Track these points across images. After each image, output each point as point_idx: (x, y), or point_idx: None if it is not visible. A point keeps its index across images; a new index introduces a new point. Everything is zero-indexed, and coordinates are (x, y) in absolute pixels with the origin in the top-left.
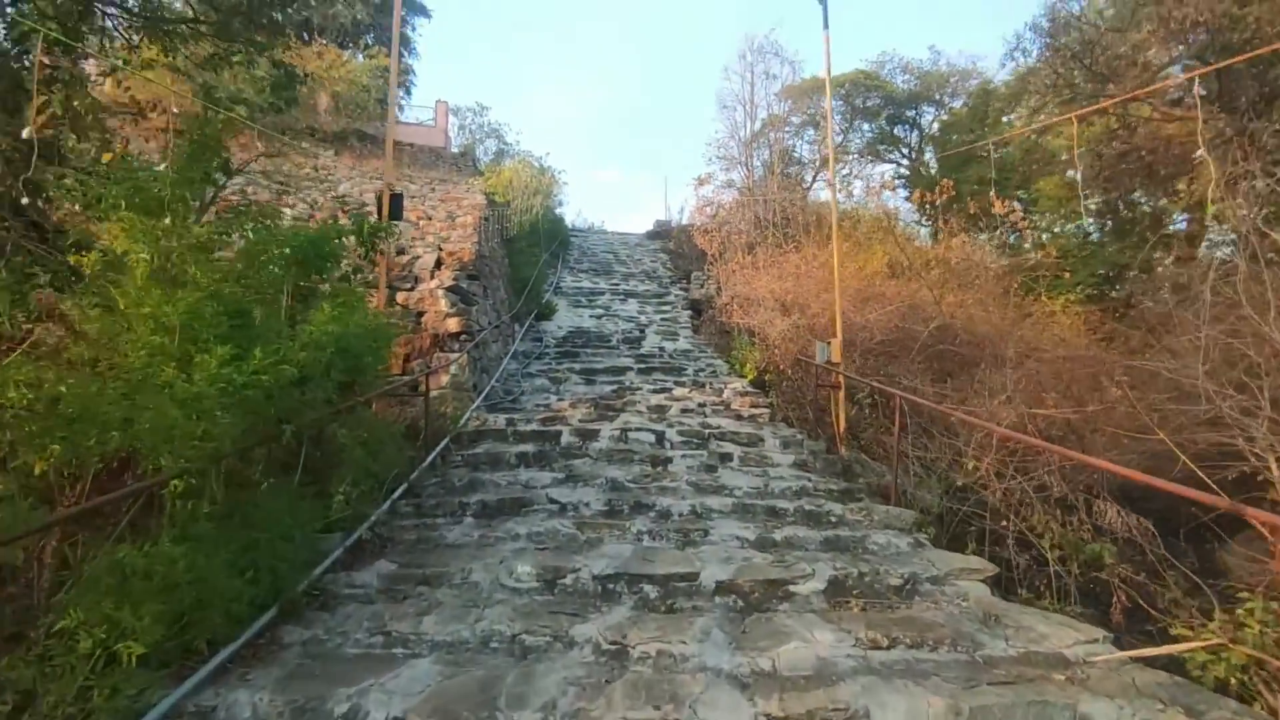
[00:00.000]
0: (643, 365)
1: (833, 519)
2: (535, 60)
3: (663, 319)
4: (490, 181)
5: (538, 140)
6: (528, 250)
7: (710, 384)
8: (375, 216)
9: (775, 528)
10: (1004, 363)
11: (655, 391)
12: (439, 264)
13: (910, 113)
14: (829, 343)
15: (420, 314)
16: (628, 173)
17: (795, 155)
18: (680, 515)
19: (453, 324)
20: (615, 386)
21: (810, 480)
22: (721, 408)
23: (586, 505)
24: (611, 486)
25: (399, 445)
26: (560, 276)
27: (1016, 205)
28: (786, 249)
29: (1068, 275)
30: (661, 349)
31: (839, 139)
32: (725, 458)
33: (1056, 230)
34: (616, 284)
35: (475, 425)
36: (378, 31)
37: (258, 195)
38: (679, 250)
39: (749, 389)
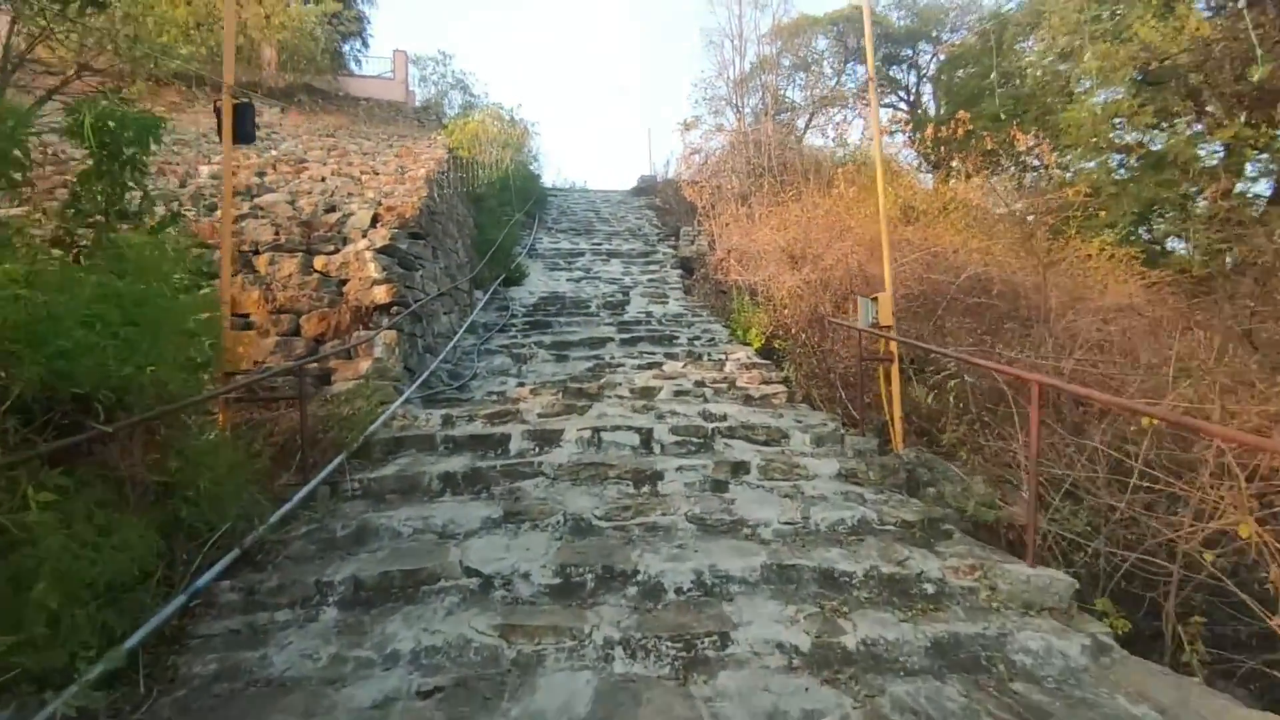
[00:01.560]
0: (627, 334)
1: (929, 589)
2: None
3: (650, 280)
4: (455, 136)
5: (512, 96)
6: (497, 209)
7: (708, 355)
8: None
9: (839, 614)
10: (1047, 316)
11: (641, 368)
12: (375, 221)
13: (907, 52)
14: (874, 299)
15: (343, 282)
16: (612, 133)
17: (787, 100)
18: (679, 592)
19: (381, 293)
20: (592, 363)
21: (868, 502)
22: (725, 386)
23: (525, 576)
24: (572, 530)
25: (244, 480)
26: (536, 237)
27: (1043, 138)
28: (784, 198)
29: (1102, 214)
30: (649, 314)
31: (833, 82)
32: (739, 468)
33: (1084, 166)
34: (598, 244)
35: (399, 427)
36: None
37: (184, 156)
38: (666, 206)
39: (756, 360)
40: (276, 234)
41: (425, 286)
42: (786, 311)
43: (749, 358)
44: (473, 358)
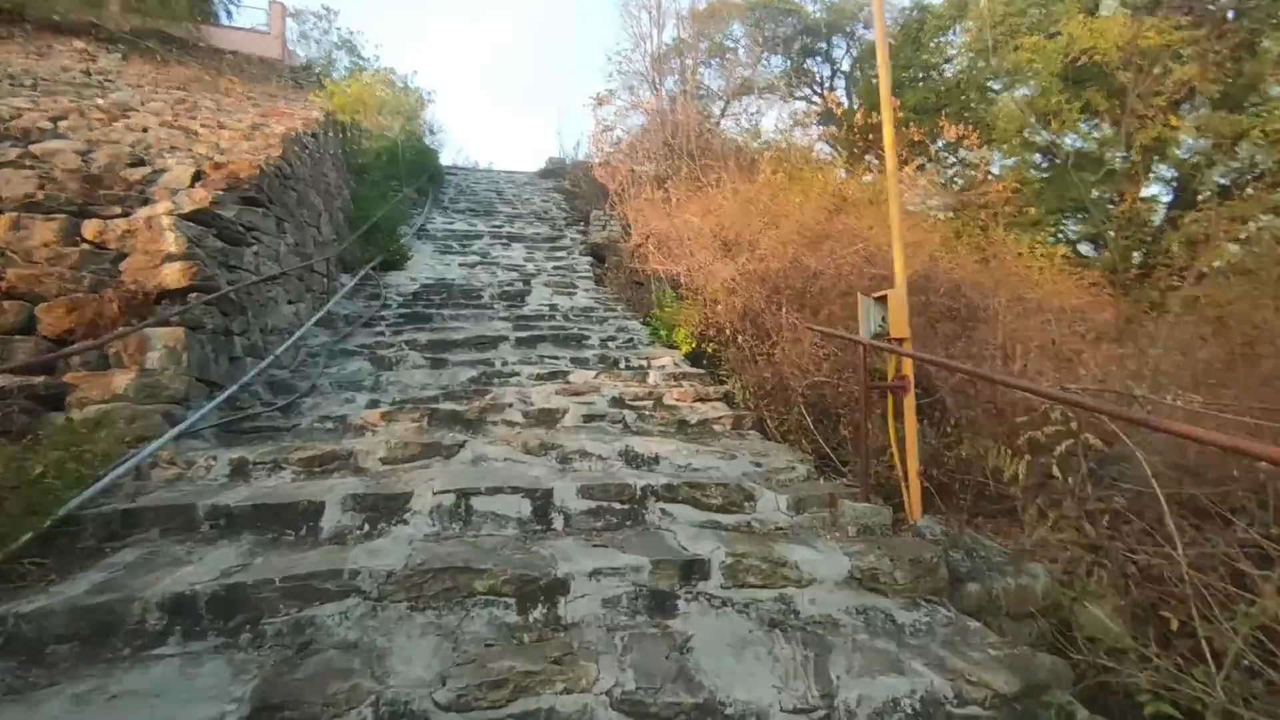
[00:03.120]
0: (525, 332)
1: None
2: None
3: (556, 267)
4: (337, 100)
5: (409, 63)
6: (383, 183)
7: (627, 361)
8: None
9: None
10: (991, 317)
11: (542, 378)
12: (198, 180)
13: (822, 45)
14: (880, 298)
15: (122, 257)
16: (520, 117)
17: (704, 86)
18: None
19: (174, 273)
20: (478, 371)
21: (911, 639)
22: (650, 405)
23: None
24: None
25: None
26: (429, 217)
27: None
28: (706, 183)
29: (1030, 211)
30: (553, 308)
31: (747, 73)
32: (691, 570)
33: (1008, 163)
34: (499, 226)
35: (159, 482)
36: None
37: None
38: (575, 189)
39: (687, 368)
40: (41, 186)
41: (261, 267)
42: (720, 308)
43: (677, 365)
44: (319, 361)
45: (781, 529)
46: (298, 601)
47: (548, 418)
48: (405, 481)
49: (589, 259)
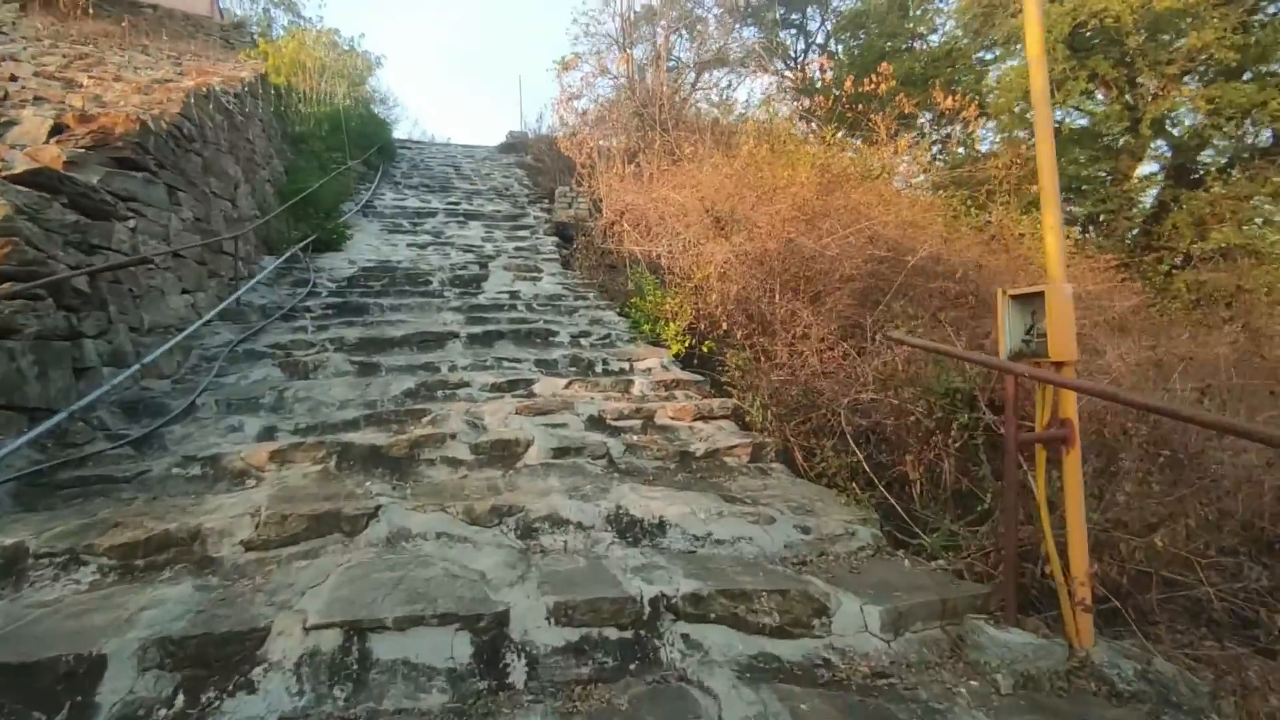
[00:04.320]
0: (480, 326)
1: None
2: None
3: (517, 249)
4: (271, 60)
5: (359, 28)
6: (324, 154)
7: (605, 364)
8: None
9: None
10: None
11: (499, 390)
12: (56, 133)
13: (796, 16)
14: (1033, 294)
15: None
16: (481, 93)
17: (674, 56)
18: None
19: None
20: (417, 381)
21: None
22: (639, 427)
23: None
24: None
25: None
26: (378, 193)
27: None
28: (683, 155)
29: (1033, 188)
30: (514, 295)
31: (718, 44)
32: None
33: (1010, 135)
34: (455, 203)
35: None
36: None
37: None
38: (539, 164)
39: (679, 372)
40: None
41: (142, 247)
42: (714, 297)
43: (666, 368)
44: (214, 367)
45: (883, 676)
46: None
47: (505, 452)
48: (269, 593)
49: (554, 239)
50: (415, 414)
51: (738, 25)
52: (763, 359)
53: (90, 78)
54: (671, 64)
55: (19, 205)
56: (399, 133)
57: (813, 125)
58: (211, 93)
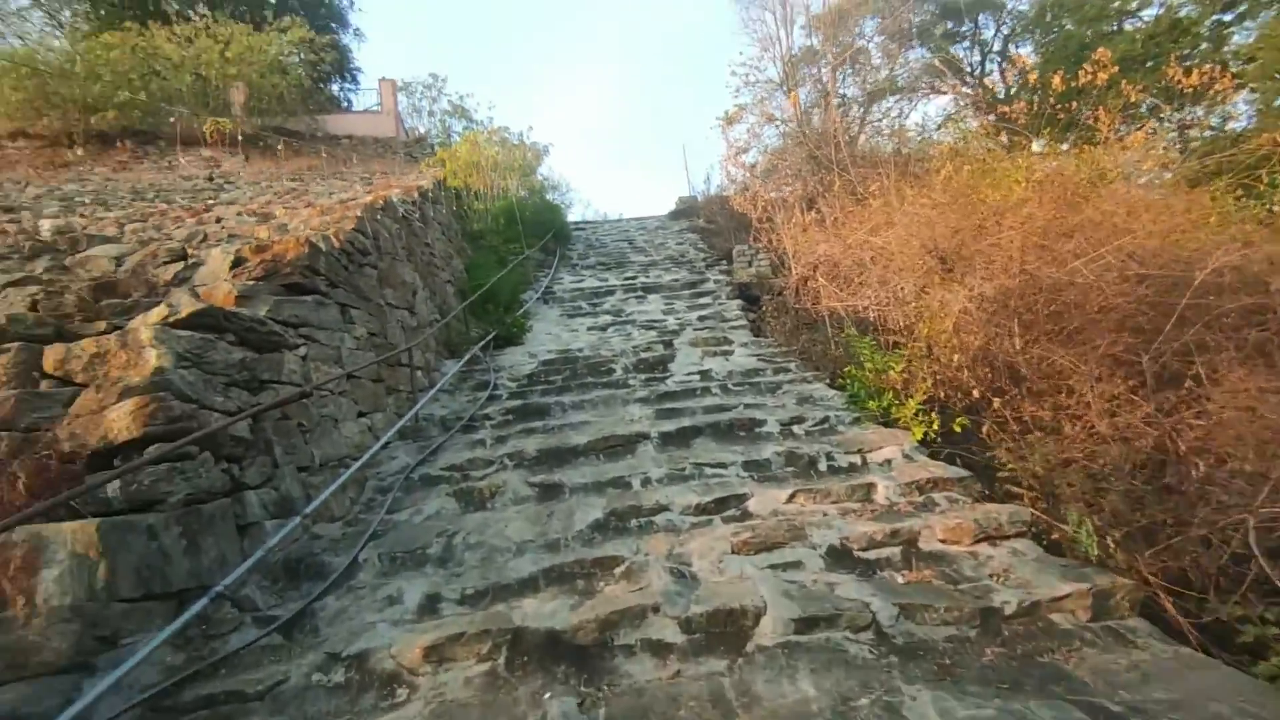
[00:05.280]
0: (672, 423)
1: None
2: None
3: (701, 318)
4: (448, 166)
5: (525, 122)
6: (501, 247)
7: (830, 458)
8: None
9: None
10: None
11: (704, 512)
12: (237, 266)
13: (966, 28)
14: None
15: (80, 387)
16: (648, 170)
17: (841, 95)
18: None
19: (120, 418)
20: (605, 508)
21: None
22: (900, 560)
23: None
24: None
25: None
26: (555, 277)
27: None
28: (865, 196)
29: None
30: (705, 375)
31: (885, 72)
32: None
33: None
34: (632, 278)
35: None
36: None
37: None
38: (712, 225)
39: (930, 465)
40: (33, 305)
41: (313, 374)
42: (954, 356)
43: (910, 457)
44: (384, 501)
45: None
46: None
47: (727, 626)
48: None
49: (738, 302)
50: (605, 563)
51: (903, 49)
52: (1047, 433)
53: (284, 209)
54: (838, 100)
55: (180, 352)
56: (571, 215)
57: (1008, 137)
58: (389, 204)
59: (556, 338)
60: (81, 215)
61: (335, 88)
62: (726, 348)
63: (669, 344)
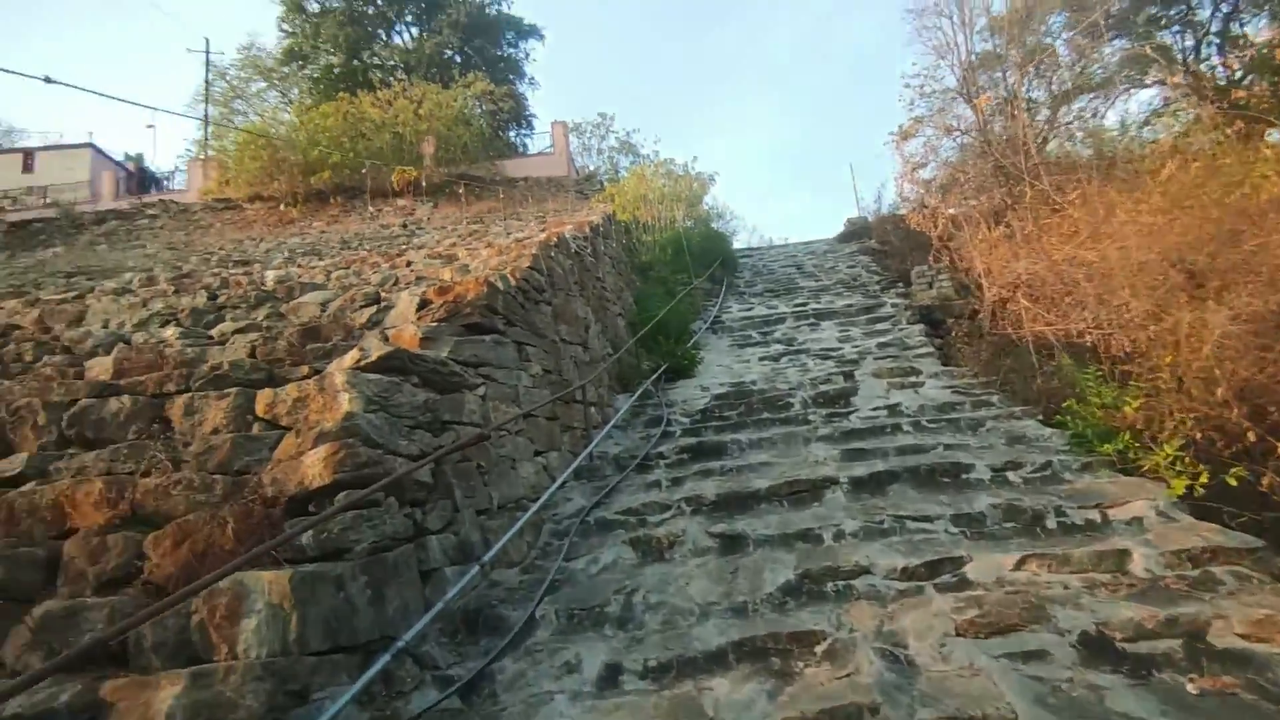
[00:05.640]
0: (863, 465)
1: None
2: (709, 98)
3: (881, 345)
4: (616, 200)
5: (690, 152)
6: (669, 278)
7: (1061, 514)
8: None
9: None
10: None
11: (912, 577)
12: (423, 308)
13: (1174, 11)
14: None
15: (285, 430)
16: (814, 193)
17: (1026, 99)
18: None
19: (314, 464)
20: (796, 567)
21: None
22: (1182, 656)
23: None
24: None
25: None
26: (723, 306)
27: None
28: (1062, 205)
29: None
30: (894, 410)
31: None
32: None
33: None
34: (803, 304)
35: None
36: (465, 57)
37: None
38: (884, 246)
39: (1196, 526)
40: (252, 351)
41: (491, 413)
42: (1216, 390)
43: (1169, 516)
44: (561, 547)
45: None
46: None
47: None
48: None
49: (920, 327)
50: (803, 639)
51: (1097, 43)
52: None
53: (466, 250)
54: (1025, 104)
55: (370, 396)
56: (737, 243)
57: (1244, 125)
58: (562, 240)
59: (728, 369)
60: (299, 265)
61: (512, 134)
62: (914, 378)
63: (849, 375)
